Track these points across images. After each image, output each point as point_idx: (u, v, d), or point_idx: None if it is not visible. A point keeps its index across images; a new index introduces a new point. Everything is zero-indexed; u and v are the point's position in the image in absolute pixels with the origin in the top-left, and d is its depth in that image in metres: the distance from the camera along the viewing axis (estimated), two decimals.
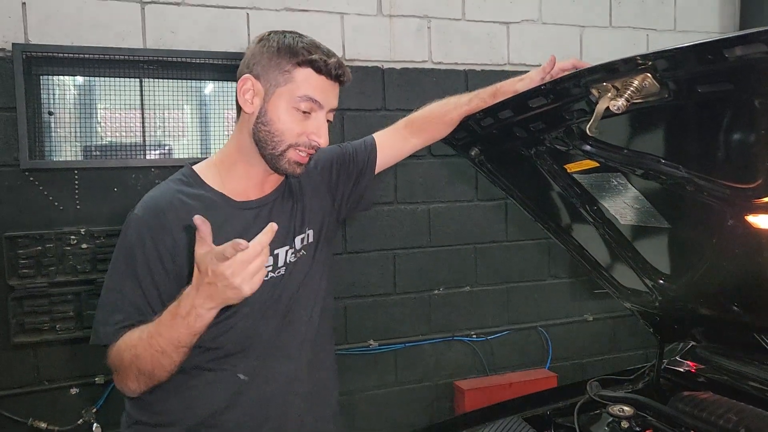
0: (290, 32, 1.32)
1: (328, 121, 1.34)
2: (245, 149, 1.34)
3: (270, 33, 1.33)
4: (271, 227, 1.09)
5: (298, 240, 1.42)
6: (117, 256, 1.28)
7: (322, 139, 1.31)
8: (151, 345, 1.16)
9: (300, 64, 1.27)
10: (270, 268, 1.35)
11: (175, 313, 1.13)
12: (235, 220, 1.32)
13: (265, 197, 1.39)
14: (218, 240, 1.24)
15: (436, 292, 3.45)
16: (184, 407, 1.30)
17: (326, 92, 1.30)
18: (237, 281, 1.06)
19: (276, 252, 1.36)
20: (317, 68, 1.27)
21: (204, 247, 1.07)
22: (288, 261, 1.39)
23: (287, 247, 1.39)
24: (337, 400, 1.56)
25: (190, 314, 1.11)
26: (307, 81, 1.28)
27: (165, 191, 1.31)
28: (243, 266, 1.05)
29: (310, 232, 1.46)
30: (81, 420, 2.80)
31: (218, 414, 1.31)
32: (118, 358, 1.21)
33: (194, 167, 1.37)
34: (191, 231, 1.24)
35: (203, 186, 1.33)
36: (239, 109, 1.34)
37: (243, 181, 1.36)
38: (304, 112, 1.29)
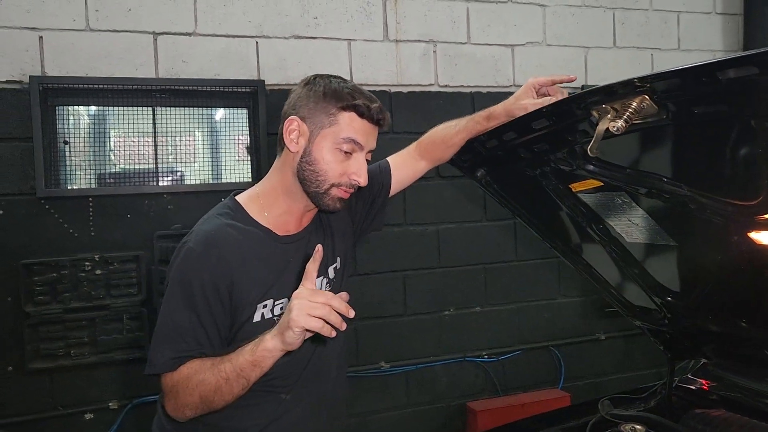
0: (335, 77, 1.39)
1: (367, 161, 1.39)
2: (288, 186, 1.39)
3: (315, 77, 1.39)
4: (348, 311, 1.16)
5: (331, 270, 1.49)
6: (173, 289, 1.31)
7: (362, 179, 1.37)
8: (219, 370, 1.21)
9: (345, 108, 1.33)
10: None
11: (250, 340, 1.21)
12: (280, 254, 1.38)
13: (302, 231, 1.45)
14: (268, 273, 1.34)
15: (446, 312, 3.46)
16: (232, 425, 1.36)
17: (367, 135, 1.36)
18: (295, 302, 1.12)
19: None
20: (360, 112, 1.33)
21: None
22: (324, 290, 1.44)
23: (323, 277, 1.45)
24: (346, 413, 1.65)
25: (258, 342, 1.18)
26: (350, 124, 1.34)
27: (217, 226, 1.35)
28: (313, 296, 1.12)
29: (339, 259, 1.52)
30: None
31: (260, 431, 1.37)
32: (183, 382, 1.25)
33: (238, 199, 1.42)
34: (246, 267, 1.31)
35: (249, 221, 1.38)
36: (282, 147, 1.39)
37: (285, 215, 1.42)
38: (346, 153, 1.34)
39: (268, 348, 1.16)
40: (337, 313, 1.12)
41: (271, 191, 1.42)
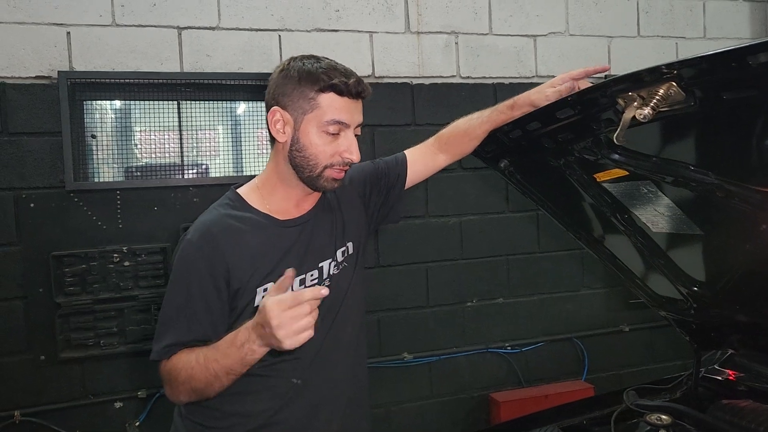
0: (308, 57, 1.38)
1: (356, 135, 1.40)
2: (283, 174, 1.41)
3: (289, 62, 1.39)
4: (319, 291, 1.14)
5: (339, 253, 1.49)
6: (173, 279, 1.35)
7: (354, 155, 1.38)
8: (207, 368, 1.23)
9: (322, 90, 1.33)
10: (316, 281, 1.42)
11: (232, 342, 1.20)
12: (281, 238, 1.40)
13: (306, 214, 1.46)
14: (268, 257, 1.35)
15: (469, 304, 3.46)
16: (245, 410, 1.38)
17: (351, 111, 1.36)
18: (280, 334, 1.10)
19: (320, 265, 1.44)
20: (339, 91, 1.33)
21: (276, 293, 1.14)
22: (331, 273, 1.46)
23: (330, 260, 1.46)
24: (369, 402, 1.65)
25: (244, 347, 1.18)
26: (331, 105, 1.34)
27: (216, 216, 1.38)
28: (290, 322, 1.10)
29: (350, 244, 1.53)
30: None
31: (273, 415, 1.39)
32: (174, 374, 1.29)
33: (238, 191, 1.45)
34: (243, 254, 1.33)
35: (249, 209, 1.41)
36: (272, 138, 1.41)
37: (284, 202, 1.44)
38: (334, 134, 1.35)
39: (257, 353, 1.17)
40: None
41: (267, 181, 1.45)
